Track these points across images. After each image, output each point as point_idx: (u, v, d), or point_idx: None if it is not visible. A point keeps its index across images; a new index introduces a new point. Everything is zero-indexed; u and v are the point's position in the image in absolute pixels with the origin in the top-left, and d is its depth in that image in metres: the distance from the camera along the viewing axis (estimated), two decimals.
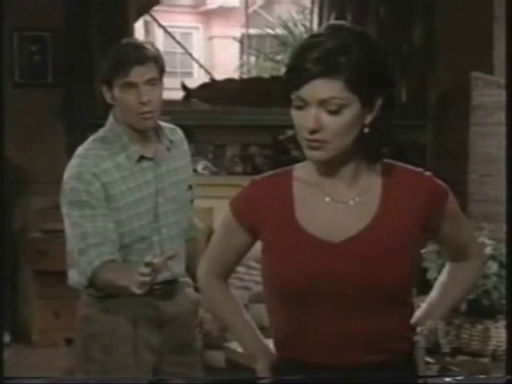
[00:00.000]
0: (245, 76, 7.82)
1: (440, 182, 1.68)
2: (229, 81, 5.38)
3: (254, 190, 1.70)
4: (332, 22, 1.64)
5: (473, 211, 3.64)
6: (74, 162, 2.31)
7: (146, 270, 1.95)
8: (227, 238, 1.75)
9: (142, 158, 2.35)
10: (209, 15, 12.17)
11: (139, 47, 2.32)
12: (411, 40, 4.78)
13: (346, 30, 1.56)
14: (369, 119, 1.58)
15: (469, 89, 3.79)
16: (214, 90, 5.19)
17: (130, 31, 4.92)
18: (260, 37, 10.54)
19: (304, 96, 1.55)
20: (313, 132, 1.55)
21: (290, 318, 1.65)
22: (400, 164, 1.69)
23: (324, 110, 1.54)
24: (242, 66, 9.52)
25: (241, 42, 10.37)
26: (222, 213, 1.78)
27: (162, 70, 2.34)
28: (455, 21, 4.60)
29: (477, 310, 2.55)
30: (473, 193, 3.75)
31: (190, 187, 2.49)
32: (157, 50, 2.36)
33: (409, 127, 4.63)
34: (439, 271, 2.60)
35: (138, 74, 2.27)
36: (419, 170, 1.68)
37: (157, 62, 2.32)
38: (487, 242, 2.59)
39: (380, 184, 1.65)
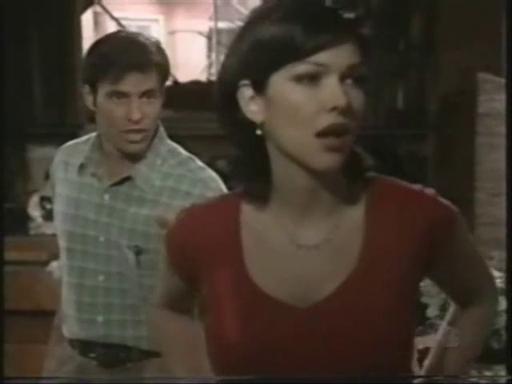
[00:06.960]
0: (213, 77, 7.83)
1: (446, 203, 1.40)
2: (194, 83, 5.41)
3: (191, 225, 1.42)
4: None
5: (480, 237, 3.65)
6: None
7: None
8: (168, 277, 1.51)
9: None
10: (170, 5, 12.18)
11: (140, 46, 2.08)
12: (408, 35, 4.82)
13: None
14: None
15: (475, 93, 3.82)
16: (176, 94, 5.19)
17: (75, 24, 4.91)
18: (231, 31, 10.55)
19: (327, 61, 1.25)
20: (342, 113, 1.24)
21: None
22: (391, 179, 1.42)
23: (345, 83, 1.26)
24: (210, 65, 9.52)
25: (208, 37, 10.39)
26: None
27: (164, 81, 2.13)
28: (460, 13, 4.64)
29: (485, 353, 2.55)
30: (480, 215, 3.77)
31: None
32: (163, 52, 2.13)
33: (406, 137, 4.67)
34: (441, 308, 2.61)
35: (134, 82, 2.05)
36: (418, 187, 1.41)
37: (160, 69, 2.09)
38: (497, 273, 2.58)
39: (363, 211, 1.35)
